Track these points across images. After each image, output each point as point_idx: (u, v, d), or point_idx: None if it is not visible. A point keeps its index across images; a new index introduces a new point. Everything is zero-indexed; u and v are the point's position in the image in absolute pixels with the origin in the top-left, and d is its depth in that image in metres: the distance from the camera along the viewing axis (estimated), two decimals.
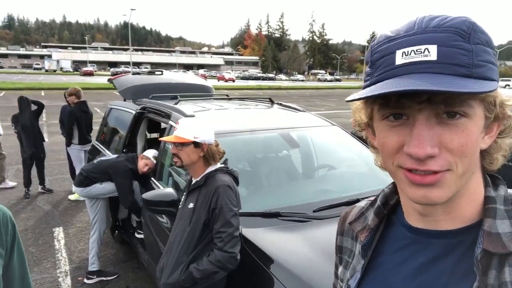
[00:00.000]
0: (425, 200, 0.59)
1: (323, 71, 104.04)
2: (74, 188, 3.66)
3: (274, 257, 2.01)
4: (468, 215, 0.65)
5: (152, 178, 3.37)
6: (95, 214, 3.70)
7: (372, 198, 0.83)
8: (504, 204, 0.63)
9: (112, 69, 69.42)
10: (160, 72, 5.50)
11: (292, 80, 73.47)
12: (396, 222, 0.74)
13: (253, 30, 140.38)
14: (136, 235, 3.83)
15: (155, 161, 3.43)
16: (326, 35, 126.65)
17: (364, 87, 0.64)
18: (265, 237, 2.17)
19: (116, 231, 4.34)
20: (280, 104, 4.10)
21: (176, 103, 3.57)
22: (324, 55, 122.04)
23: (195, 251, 1.97)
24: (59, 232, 4.88)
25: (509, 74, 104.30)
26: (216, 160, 2.13)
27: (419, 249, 0.67)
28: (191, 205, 2.05)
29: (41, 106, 6.35)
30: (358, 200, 2.64)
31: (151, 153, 3.48)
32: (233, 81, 54.78)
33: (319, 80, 76.44)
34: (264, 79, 71.57)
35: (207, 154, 2.09)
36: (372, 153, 0.76)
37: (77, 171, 5.56)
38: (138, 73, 5.48)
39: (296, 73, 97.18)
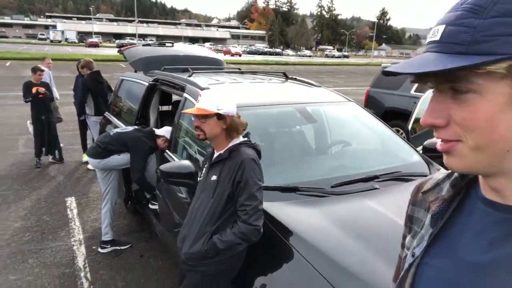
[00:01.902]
0: (448, 166, 0.64)
1: (331, 47, 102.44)
2: (88, 159, 3.66)
3: (294, 230, 2.02)
4: None
5: (167, 151, 3.36)
6: (107, 185, 3.72)
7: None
8: None
9: (117, 41, 68.81)
10: (170, 44, 5.42)
11: (299, 56, 72.55)
12: (473, 195, 0.72)
13: (260, 4, 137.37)
14: (150, 206, 3.87)
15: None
16: (335, 10, 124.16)
17: None
18: (285, 211, 2.17)
19: (129, 202, 4.38)
20: (295, 79, 4.04)
21: (189, 76, 3.52)
22: (333, 30, 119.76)
23: (218, 222, 1.98)
24: (71, 202, 4.94)
25: None
26: (239, 132, 2.10)
27: (494, 223, 0.66)
28: (214, 178, 2.04)
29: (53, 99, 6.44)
30: (376, 177, 2.66)
31: (170, 131, 3.49)
32: (240, 55, 54.06)
33: (326, 56, 75.38)
34: (271, 54, 70.60)
35: (229, 126, 2.07)
36: None
37: None
38: (148, 44, 5.40)
39: (304, 48, 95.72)
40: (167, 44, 5.39)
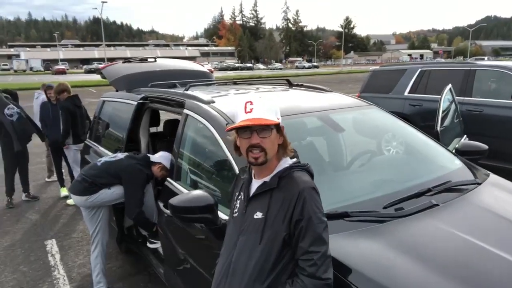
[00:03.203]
0: None
1: (300, 59, 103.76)
2: (72, 197, 3.09)
3: (373, 278, 1.55)
4: None
5: (168, 179, 2.84)
6: (96, 225, 3.15)
7: None
8: None
9: (85, 66, 67.34)
10: (153, 59, 4.93)
11: (271, 69, 72.97)
12: None
13: (227, 20, 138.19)
14: (148, 245, 3.30)
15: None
16: (300, 22, 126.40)
17: None
18: (346, 248, 1.69)
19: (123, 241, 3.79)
20: (301, 85, 3.63)
21: (186, 89, 3.05)
22: (300, 42, 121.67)
23: (271, 276, 1.46)
24: (52, 246, 4.29)
25: (480, 53, 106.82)
26: (290, 150, 1.61)
27: None
28: (259, 215, 1.52)
29: (15, 96, 5.71)
30: (429, 190, 2.23)
31: (166, 158, 2.99)
32: (212, 72, 53.67)
33: (297, 67, 76.16)
34: (242, 69, 70.85)
35: (284, 142, 1.58)
36: None
37: (75, 175, 4.96)
38: (129, 61, 4.89)
39: (274, 61, 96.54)
40: (149, 60, 4.90)
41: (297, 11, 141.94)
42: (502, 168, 5.53)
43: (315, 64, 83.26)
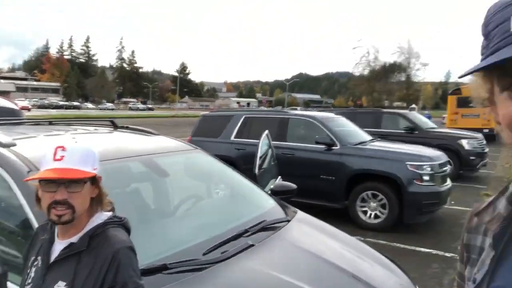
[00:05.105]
0: None
1: (134, 100, 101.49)
2: None
3: None
4: None
5: None
6: None
7: None
8: None
9: None
10: None
11: (101, 109, 68.99)
12: None
13: (54, 53, 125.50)
14: None
15: None
16: (136, 63, 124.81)
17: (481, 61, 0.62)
18: None
19: None
20: (127, 128, 3.48)
21: None
22: (135, 83, 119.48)
23: None
24: None
25: (295, 103, 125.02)
26: (106, 204, 1.41)
27: None
28: (61, 286, 1.25)
29: None
30: (246, 231, 2.37)
31: None
32: (29, 110, 47.06)
33: (130, 108, 74.20)
34: (67, 107, 64.97)
35: (99, 194, 1.37)
36: (498, 131, 0.71)
37: None
38: None
39: (105, 101, 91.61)
40: None
41: (132, 52, 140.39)
42: (308, 204, 6.34)
43: (150, 106, 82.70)
